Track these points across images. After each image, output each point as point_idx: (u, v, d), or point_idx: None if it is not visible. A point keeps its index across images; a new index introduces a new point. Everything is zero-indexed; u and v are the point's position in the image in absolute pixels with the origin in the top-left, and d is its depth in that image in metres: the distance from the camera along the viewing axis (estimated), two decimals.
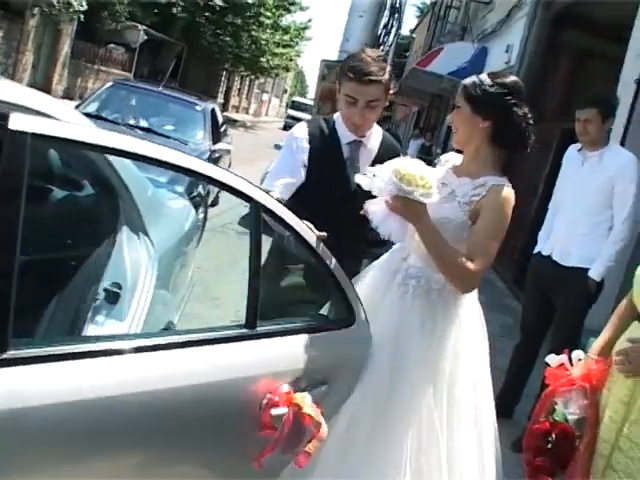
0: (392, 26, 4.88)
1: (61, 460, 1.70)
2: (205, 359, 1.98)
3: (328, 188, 2.92)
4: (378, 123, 3.19)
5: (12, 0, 19.42)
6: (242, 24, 31.96)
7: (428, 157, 20.08)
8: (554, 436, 2.38)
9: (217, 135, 9.55)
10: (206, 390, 1.94)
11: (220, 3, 29.64)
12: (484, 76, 2.67)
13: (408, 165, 2.42)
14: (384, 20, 4.73)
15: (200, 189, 7.05)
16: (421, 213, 2.42)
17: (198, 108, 9.33)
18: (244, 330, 2.09)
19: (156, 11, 28.87)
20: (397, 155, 3.16)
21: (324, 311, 2.57)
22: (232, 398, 2.03)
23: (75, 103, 10.16)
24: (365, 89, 2.91)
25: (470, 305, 2.70)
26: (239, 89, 50.41)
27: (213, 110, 9.83)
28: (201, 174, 2.13)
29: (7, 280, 1.58)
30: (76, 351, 1.73)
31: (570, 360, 2.52)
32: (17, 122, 1.66)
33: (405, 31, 47.11)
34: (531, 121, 2.61)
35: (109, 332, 2.49)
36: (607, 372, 2.45)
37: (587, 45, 11.42)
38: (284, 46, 37.57)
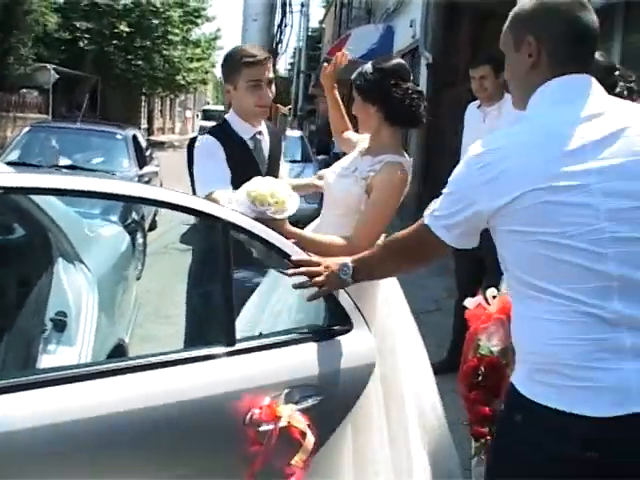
0: (286, 24, 5.08)
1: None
2: (184, 377, 2.04)
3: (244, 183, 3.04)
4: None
5: None
6: (152, 46, 31.81)
7: None
8: (483, 369, 2.59)
9: (142, 160, 9.67)
10: (187, 407, 1.99)
11: (126, 29, 29.51)
12: (368, 65, 2.87)
13: (259, 186, 2.50)
14: (278, 20, 4.95)
15: (134, 215, 7.17)
16: (280, 227, 2.48)
17: (119, 137, 9.44)
18: (222, 348, 2.13)
19: (63, 48, 28.61)
20: (281, 138, 3.41)
21: (317, 320, 2.47)
22: (213, 415, 2.06)
23: None
24: (265, 69, 3.10)
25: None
26: (161, 110, 50.12)
27: (134, 136, 9.94)
28: (164, 202, 2.20)
29: None
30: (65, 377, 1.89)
31: (486, 299, 2.75)
32: None
33: (314, 23, 47.52)
34: (415, 95, 2.79)
35: (62, 359, 2.65)
36: None
37: (486, 6, 11.77)
38: (197, 60, 37.45)
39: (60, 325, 2.74)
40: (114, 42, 30.17)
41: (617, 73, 2.70)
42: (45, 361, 2.58)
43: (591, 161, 1.68)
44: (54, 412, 1.80)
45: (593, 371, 1.66)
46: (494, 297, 2.74)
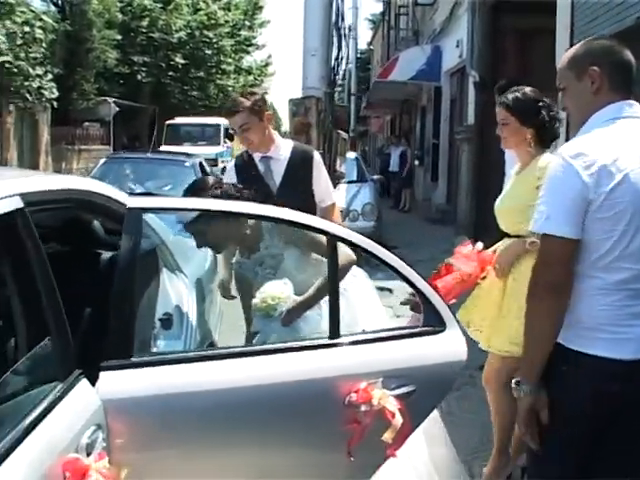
0: (342, 57, 5.56)
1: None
2: (296, 363, 2.44)
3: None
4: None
5: None
6: (206, 75, 32.91)
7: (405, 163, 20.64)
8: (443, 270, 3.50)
9: None
10: (297, 388, 2.38)
11: (181, 61, 30.62)
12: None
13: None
14: (335, 53, 5.36)
15: None
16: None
17: (187, 164, 10.10)
18: (328, 340, 2.51)
19: (122, 81, 29.82)
20: (310, 159, 3.93)
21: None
22: (320, 396, 2.42)
23: None
24: (232, 119, 3.76)
25: None
26: None
27: (200, 163, 10.61)
28: (285, 220, 2.69)
29: (132, 315, 2.31)
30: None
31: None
32: (133, 202, 2.40)
33: (363, 44, 48.07)
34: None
35: None
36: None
37: (529, 24, 12.13)
38: (250, 86, 38.40)
39: (167, 324, 3.25)
40: (170, 74, 31.30)
41: (540, 103, 3.49)
42: None
43: None
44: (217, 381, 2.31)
45: (624, 328, 2.24)
46: (494, 251, 3.64)
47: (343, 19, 5.93)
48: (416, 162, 20.70)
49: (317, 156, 3.98)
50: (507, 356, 3.40)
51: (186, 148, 21.38)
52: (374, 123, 35.35)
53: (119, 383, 2.20)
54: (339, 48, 5.81)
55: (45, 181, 2.41)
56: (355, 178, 12.02)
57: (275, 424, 2.39)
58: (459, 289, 3.52)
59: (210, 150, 23.78)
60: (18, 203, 2.06)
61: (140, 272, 2.50)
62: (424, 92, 20.45)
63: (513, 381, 2.39)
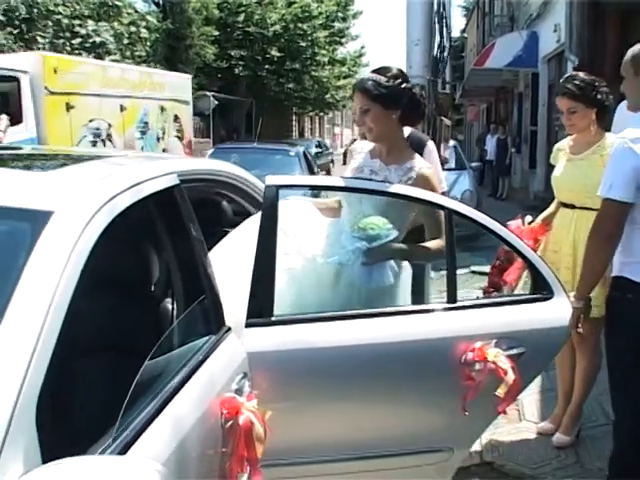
0: (444, 46, 5.63)
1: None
2: (420, 324, 2.69)
3: None
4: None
5: None
6: (301, 67, 33.36)
7: (505, 151, 20.39)
8: (502, 257, 3.49)
9: (312, 173, 10.64)
10: (421, 346, 2.62)
11: (277, 53, 31.19)
12: (375, 76, 3.09)
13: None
14: (437, 41, 5.47)
15: None
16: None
17: (292, 153, 10.48)
18: (447, 304, 2.74)
19: (220, 76, 30.59)
20: (423, 147, 3.99)
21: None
22: (439, 354, 2.67)
23: None
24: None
25: None
26: (311, 128, 51.95)
27: (304, 152, 10.96)
28: (405, 195, 2.88)
29: (272, 279, 2.55)
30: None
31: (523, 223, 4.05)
32: (270, 180, 2.64)
33: (456, 32, 47.52)
34: (421, 93, 3.36)
35: None
36: (546, 229, 4.07)
37: (630, 4, 11.89)
38: (344, 77, 38.68)
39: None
40: (266, 67, 31.92)
41: (596, 84, 3.79)
42: None
43: None
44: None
45: None
46: (529, 223, 4.07)
47: (445, 7, 6.07)
48: (513, 149, 20.51)
49: (430, 144, 4.14)
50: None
51: None
52: (470, 111, 35.02)
53: (261, 338, 2.50)
54: (441, 36, 5.97)
55: (195, 162, 2.73)
56: (454, 166, 12.09)
57: (399, 379, 2.66)
58: (521, 272, 3.60)
59: None
60: (175, 180, 2.39)
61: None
62: (520, 78, 20.24)
63: (572, 295, 2.95)
